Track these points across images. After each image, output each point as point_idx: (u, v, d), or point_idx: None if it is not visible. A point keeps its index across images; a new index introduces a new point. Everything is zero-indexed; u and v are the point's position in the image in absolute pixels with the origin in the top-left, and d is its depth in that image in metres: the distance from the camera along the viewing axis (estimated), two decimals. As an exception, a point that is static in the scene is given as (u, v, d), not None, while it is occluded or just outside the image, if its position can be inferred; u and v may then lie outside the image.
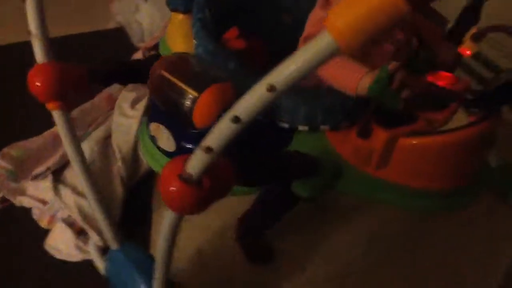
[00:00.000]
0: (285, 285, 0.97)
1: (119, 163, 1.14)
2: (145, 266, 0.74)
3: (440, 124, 0.70)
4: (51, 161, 1.12)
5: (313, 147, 0.74)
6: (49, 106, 0.73)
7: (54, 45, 0.74)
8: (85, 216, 1.02)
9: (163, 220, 0.59)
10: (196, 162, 0.50)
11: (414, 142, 0.69)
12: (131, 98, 1.28)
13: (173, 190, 0.51)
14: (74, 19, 1.91)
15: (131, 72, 0.86)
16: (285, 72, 0.42)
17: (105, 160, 1.15)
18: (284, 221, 1.04)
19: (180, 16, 0.92)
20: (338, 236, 1.06)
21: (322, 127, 0.73)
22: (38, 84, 0.71)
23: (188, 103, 0.67)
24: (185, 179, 0.51)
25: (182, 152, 0.71)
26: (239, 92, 0.72)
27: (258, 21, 0.91)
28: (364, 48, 0.40)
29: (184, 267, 1.00)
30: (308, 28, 0.74)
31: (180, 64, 0.72)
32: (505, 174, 1.18)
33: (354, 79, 0.67)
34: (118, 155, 1.15)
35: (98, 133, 1.20)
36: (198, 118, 0.67)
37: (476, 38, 0.76)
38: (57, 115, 0.74)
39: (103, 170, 1.13)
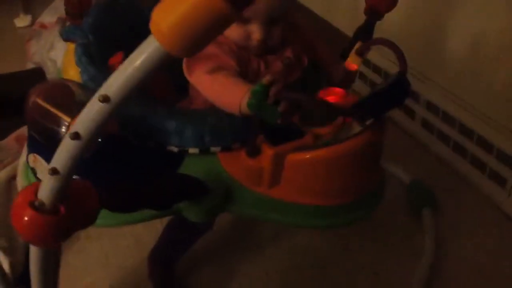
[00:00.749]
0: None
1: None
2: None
3: (327, 138, 0.70)
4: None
5: (204, 170, 0.72)
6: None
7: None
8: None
9: (30, 255, 0.55)
10: (45, 187, 0.46)
11: (298, 157, 0.68)
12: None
13: (25, 219, 0.47)
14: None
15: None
16: (117, 81, 0.40)
17: (7, 202, 1.09)
18: (197, 251, 1.01)
19: (71, 45, 0.89)
20: (253, 266, 1.05)
21: (213, 148, 0.72)
22: None
23: (63, 130, 0.64)
24: (37, 207, 0.47)
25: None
26: (126, 118, 0.71)
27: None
28: (196, 52, 0.38)
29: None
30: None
31: (57, 90, 0.69)
32: (417, 192, 1.22)
33: (236, 97, 0.66)
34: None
35: (1, 174, 1.14)
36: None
37: (361, 52, 0.77)
38: None
39: (5, 214, 1.06)
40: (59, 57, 1.65)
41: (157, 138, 0.71)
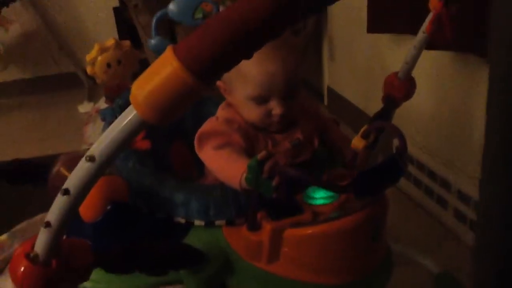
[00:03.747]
0: None
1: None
2: None
3: (326, 215, 0.71)
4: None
5: (208, 242, 0.74)
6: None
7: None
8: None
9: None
10: (40, 240, 0.51)
11: (296, 233, 0.69)
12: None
13: (19, 269, 0.52)
14: (49, 142, 2.03)
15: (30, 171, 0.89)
16: (101, 144, 0.45)
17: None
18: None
19: None
20: None
21: (217, 222, 0.75)
22: None
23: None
24: (31, 259, 0.52)
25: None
26: (137, 189, 0.76)
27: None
28: (169, 121, 0.44)
29: None
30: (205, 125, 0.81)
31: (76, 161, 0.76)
32: (445, 284, 1.15)
33: (237, 172, 0.70)
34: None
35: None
36: (83, 212, 0.69)
37: (365, 135, 0.80)
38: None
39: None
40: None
41: (166, 209, 0.76)
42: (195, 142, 0.79)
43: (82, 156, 0.81)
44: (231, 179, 0.72)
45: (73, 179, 0.47)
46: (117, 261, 0.60)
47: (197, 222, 0.75)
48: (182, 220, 0.76)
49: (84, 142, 1.95)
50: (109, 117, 0.98)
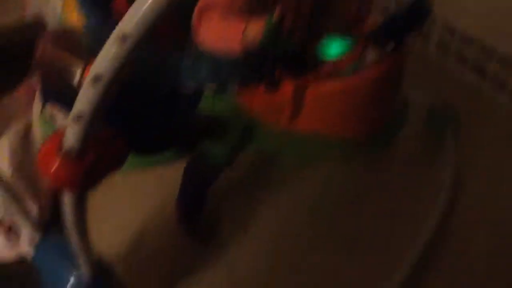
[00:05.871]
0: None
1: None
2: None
3: (344, 68, 0.68)
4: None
5: (221, 110, 0.71)
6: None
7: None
8: (12, 212, 0.97)
9: (63, 205, 0.55)
10: (71, 134, 0.46)
11: (319, 89, 0.67)
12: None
13: (54, 167, 0.48)
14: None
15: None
16: (132, 20, 0.38)
17: (26, 153, 1.10)
18: (221, 190, 1.02)
19: None
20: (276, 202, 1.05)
21: (230, 85, 0.71)
22: None
23: (77, 75, 0.63)
24: (64, 154, 0.47)
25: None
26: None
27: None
28: None
29: (124, 249, 0.97)
30: None
31: (67, 37, 0.67)
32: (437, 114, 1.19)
33: (237, 33, 0.64)
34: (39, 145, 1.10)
35: (18, 126, 1.14)
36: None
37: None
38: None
39: (26, 163, 1.08)
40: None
41: (173, 80, 0.70)
42: (195, 18, 0.70)
43: (65, 32, 0.72)
44: (230, 42, 0.65)
45: (103, 62, 0.41)
46: (150, 143, 0.56)
47: (208, 89, 0.70)
48: (191, 90, 0.71)
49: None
50: None
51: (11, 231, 0.97)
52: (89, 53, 0.65)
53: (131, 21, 0.38)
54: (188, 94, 0.71)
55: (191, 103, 0.72)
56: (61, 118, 0.71)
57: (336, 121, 0.71)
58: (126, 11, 0.75)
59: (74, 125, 0.45)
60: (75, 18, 0.84)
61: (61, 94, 0.67)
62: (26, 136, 1.13)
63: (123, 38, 0.39)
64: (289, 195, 1.06)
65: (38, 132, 1.12)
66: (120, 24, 0.39)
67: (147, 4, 0.37)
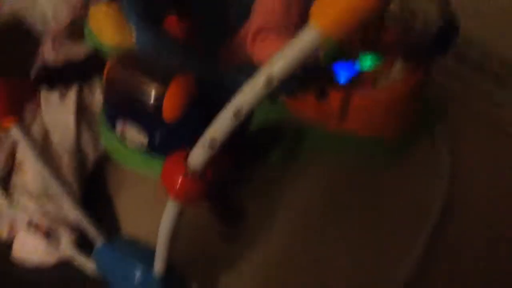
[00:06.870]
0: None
1: (66, 160, 1.11)
2: (141, 256, 0.77)
3: (380, 79, 0.78)
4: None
5: (274, 119, 0.79)
6: (5, 124, 0.71)
7: None
8: (51, 217, 1.00)
9: (165, 212, 0.62)
10: (199, 157, 0.53)
11: (363, 98, 0.76)
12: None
13: (179, 185, 0.54)
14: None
15: (75, 71, 0.83)
16: (278, 63, 0.46)
17: (49, 160, 1.12)
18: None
19: (104, 8, 0.88)
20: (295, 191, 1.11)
21: (281, 96, 0.79)
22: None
23: (153, 97, 0.69)
24: (189, 174, 0.54)
25: (155, 147, 0.74)
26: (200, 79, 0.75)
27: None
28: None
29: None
30: (259, 19, 0.78)
31: (133, 59, 0.73)
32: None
33: None
34: (63, 152, 1.12)
35: (34, 135, 1.16)
36: (169, 112, 0.69)
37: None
38: (16, 131, 0.72)
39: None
40: (47, 5, 1.57)
41: (229, 93, 0.77)
42: (249, 41, 0.77)
43: (133, 55, 0.76)
44: None
45: (247, 98, 0.48)
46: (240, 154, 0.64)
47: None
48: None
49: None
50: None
51: (50, 236, 1.00)
52: (164, 75, 0.70)
53: (281, 66, 0.45)
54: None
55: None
56: (132, 136, 0.75)
57: (372, 124, 0.81)
58: (178, 30, 0.81)
59: (205, 150, 0.52)
60: (113, 37, 0.87)
61: (136, 113, 0.72)
62: (44, 144, 1.15)
63: (270, 79, 0.46)
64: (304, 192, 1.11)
65: (56, 138, 1.14)
66: (268, 66, 0.46)
67: (296, 51, 0.45)
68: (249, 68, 0.80)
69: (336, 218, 1.03)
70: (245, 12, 0.83)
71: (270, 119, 0.79)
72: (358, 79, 0.78)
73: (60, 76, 0.81)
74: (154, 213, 1.06)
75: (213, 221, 1.02)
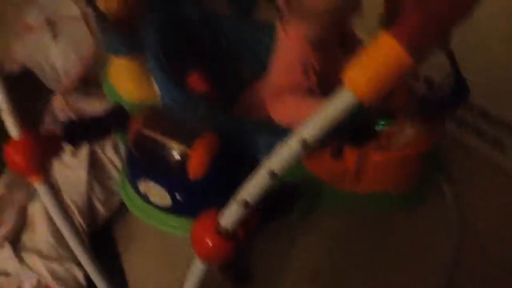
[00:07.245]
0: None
1: (77, 216, 1.11)
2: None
3: (395, 136, 0.81)
4: (4, 229, 1.06)
5: (291, 174, 0.81)
6: (32, 179, 0.72)
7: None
8: (58, 279, 0.99)
9: (191, 272, 0.62)
10: (232, 216, 0.54)
11: (380, 157, 0.78)
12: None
13: (210, 245, 0.55)
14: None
15: (99, 127, 0.85)
16: (313, 126, 0.48)
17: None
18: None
19: (123, 61, 0.88)
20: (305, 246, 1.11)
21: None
22: (19, 160, 0.69)
23: (178, 157, 0.70)
24: (221, 233, 0.55)
25: (178, 205, 0.75)
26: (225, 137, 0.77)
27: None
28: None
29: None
30: (277, 78, 0.81)
31: (157, 118, 0.75)
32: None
33: (309, 111, 0.74)
34: (74, 208, 1.12)
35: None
36: (193, 171, 0.70)
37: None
38: (41, 187, 0.72)
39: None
40: (59, 59, 1.61)
41: (251, 150, 0.79)
42: (268, 104, 0.80)
43: (157, 113, 0.78)
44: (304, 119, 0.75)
45: (282, 160, 0.50)
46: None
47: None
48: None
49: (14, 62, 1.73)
50: (122, 51, 0.87)
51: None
52: (188, 134, 0.72)
53: (316, 129, 0.47)
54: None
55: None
56: (155, 195, 0.76)
57: (386, 181, 0.83)
58: (201, 87, 0.84)
59: (240, 209, 0.53)
60: (133, 91, 0.89)
61: (160, 173, 0.74)
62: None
63: (305, 143, 0.48)
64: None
65: (67, 194, 1.14)
66: (305, 130, 0.48)
67: (331, 114, 0.47)
68: (268, 125, 0.83)
69: (348, 274, 1.04)
70: (259, 68, 0.86)
71: (288, 177, 0.80)
72: (374, 138, 0.81)
73: (87, 132, 0.82)
74: (162, 270, 1.08)
75: (220, 278, 1.02)
